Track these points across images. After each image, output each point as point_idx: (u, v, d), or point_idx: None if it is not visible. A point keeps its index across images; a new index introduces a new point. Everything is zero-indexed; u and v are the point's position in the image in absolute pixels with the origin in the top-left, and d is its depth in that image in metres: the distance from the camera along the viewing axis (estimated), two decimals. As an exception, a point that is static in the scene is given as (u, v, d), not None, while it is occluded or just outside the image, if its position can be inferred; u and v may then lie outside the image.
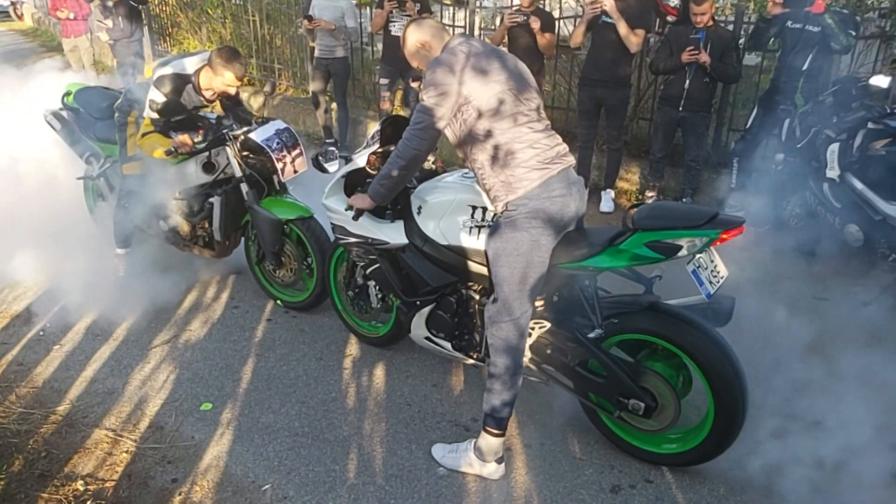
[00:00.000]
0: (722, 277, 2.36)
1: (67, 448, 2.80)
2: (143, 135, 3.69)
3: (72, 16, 8.45)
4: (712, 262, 2.38)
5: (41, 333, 3.63)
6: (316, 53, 6.93)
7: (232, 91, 3.67)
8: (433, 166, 3.08)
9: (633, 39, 4.90)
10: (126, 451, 2.79)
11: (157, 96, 3.52)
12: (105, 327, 3.64)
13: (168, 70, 3.57)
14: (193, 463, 2.72)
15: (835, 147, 4.02)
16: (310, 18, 6.48)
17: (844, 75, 5.17)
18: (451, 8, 7.98)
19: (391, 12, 6.04)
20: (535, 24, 5.21)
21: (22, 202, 4.49)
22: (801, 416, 2.74)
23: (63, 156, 4.60)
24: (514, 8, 5.51)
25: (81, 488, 2.58)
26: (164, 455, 2.77)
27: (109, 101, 4.27)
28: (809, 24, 4.58)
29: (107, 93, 4.54)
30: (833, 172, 4.01)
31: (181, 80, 3.59)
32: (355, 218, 2.87)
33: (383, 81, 6.39)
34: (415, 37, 2.64)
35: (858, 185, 3.91)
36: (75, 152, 4.45)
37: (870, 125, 3.94)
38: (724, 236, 2.27)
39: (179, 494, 2.56)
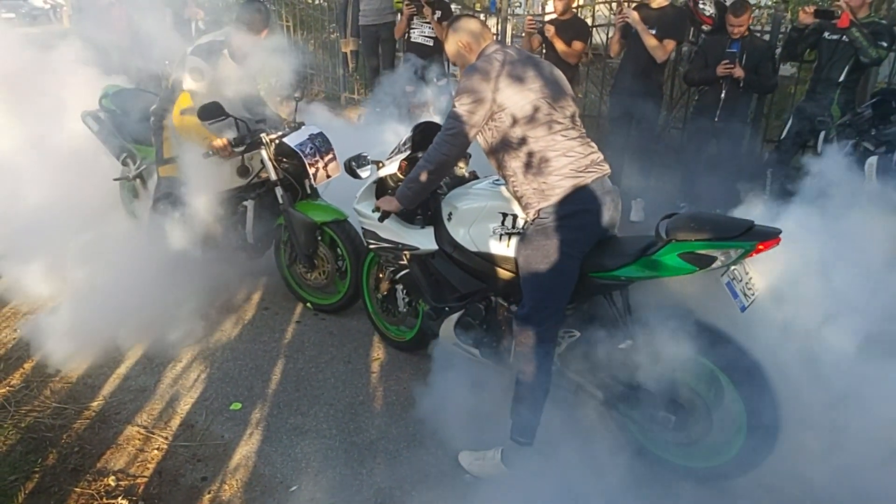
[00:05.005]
0: (757, 290, 2.33)
1: (100, 444, 2.85)
2: (182, 112, 3.60)
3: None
4: (747, 273, 2.35)
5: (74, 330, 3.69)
6: (361, 22, 6.96)
7: (263, 36, 3.60)
8: (465, 174, 3.08)
9: (659, 52, 4.88)
10: (157, 449, 2.83)
11: (199, 63, 3.51)
12: (137, 325, 3.69)
13: (203, 40, 3.59)
14: (223, 462, 2.75)
15: (873, 160, 3.93)
16: None
17: (883, 87, 5.08)
18: (483, 15, 8.00)
19: (411, 19, 6.07)
20: (549, 31, 5.22)
21: (57, 201, 4.57)
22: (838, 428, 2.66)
23: (99, 156, 4.69)
24: (538, 16, 5.55)
25: (113, 484, 2.62)
26: (195, 453, 2.80)
27: (146, 102, 4.34)
28: (845, 36, 4.51)
29: (143, 94, 4.62)
30: (871, 185, 3.93)
31: (218, 45, 3.59)
32: (381, 219, 2.90)
33: (409, 88, 6.42)
34: (455, 38, 2.64)
35: (897, 198, 3.83)
36: (112, 153, 4.53)
37: (910, 138, 3.86)
38: (760, 248, 2.24)
39: (209, 493, 2.59)
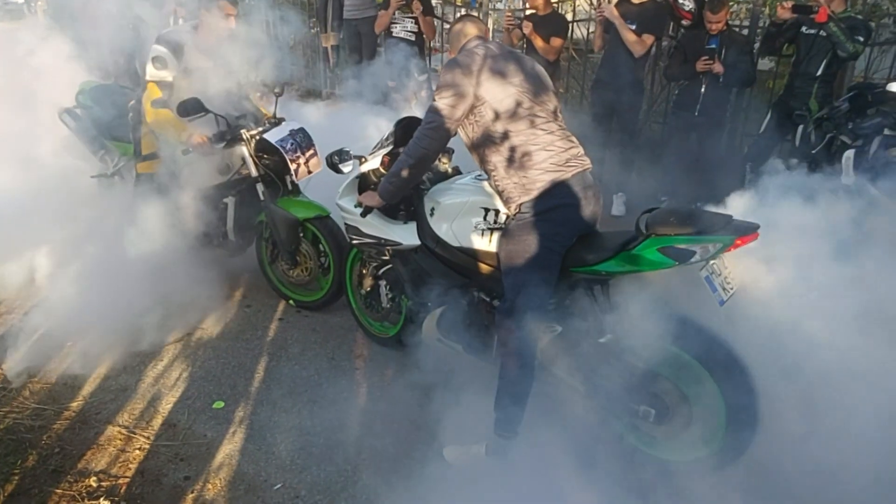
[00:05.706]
0: (735, 284, 2.36)
1: (81, 444, 2.83)
2: (152, 103, 3.56)
3: None
4: (725, 268, 2.37)
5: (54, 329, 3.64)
6: (345, 16, 7.01)
7: (232, 23, 3.57)
8: (448, 169, 3.08)
9: (637, 47, 4.90)
10: (139, 448, 2.81)
11: (161, 52, 3.48)
12: (118, 324, 3.65)
13: (167, 30, 3.56)
14: (206, 461, 2.74)
15: (850, 153, 3.98)
16: None
17: (860, 81, 5.13)
18: (463, 10, 7.99)
19: (394, 14, 6.06)
20: (527, 28, 5.22)
21: (33, 199, 4.50)
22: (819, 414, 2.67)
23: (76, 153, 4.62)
24: (518, 11, 5.55)
25: (95, 484, 2.60)
26: (177, 452, 2.79)
27: (123, 99, 4.29)
28: (823, 30, 4.56)
29: (121, 91, 4.57)
30: (848, 179, 3.98)
31: (184, 35, 3.56)
32: (363, 215, 2.91)
33: (390, 83, 6.40)
34: (460, 23, 2.74)
35: (874, 191, 3.88)
36: (89, 150, 4.46)
37: (886, 132, 3.91)
38: (739, 242, 2.26)
39: (192, 492, 2.58)
